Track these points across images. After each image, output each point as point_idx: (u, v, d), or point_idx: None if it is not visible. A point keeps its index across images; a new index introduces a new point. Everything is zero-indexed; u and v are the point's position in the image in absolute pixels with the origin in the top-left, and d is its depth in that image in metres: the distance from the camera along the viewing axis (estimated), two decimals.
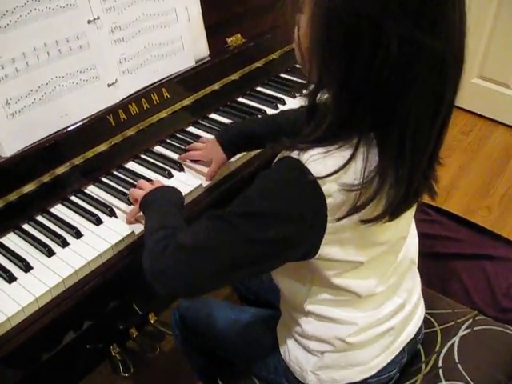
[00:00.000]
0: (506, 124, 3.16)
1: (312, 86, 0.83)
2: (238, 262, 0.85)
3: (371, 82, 0.73)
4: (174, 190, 1.14)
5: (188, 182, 1.27)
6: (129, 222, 1.17)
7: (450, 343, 1.22)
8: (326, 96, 0.82)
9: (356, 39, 0.71)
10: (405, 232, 1.01)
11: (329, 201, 0.79)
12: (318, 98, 0.84)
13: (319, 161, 0.78)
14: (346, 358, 1.04)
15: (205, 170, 1.30)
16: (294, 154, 0.80)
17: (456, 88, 0.79)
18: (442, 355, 1.19)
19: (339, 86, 0.76)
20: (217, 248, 0.84)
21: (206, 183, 1.28)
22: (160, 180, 1.24)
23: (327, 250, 0.86)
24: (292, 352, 1.08)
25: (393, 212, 0.83)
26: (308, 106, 0.85)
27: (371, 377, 1.06)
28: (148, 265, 0.91)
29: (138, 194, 1.15)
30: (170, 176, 1.28)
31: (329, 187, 0.78)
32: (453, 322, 1.26)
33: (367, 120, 0.77)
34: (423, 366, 1.17)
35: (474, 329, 1.25)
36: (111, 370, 1.74)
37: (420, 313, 1.16)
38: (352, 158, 0.77)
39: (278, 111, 1.30)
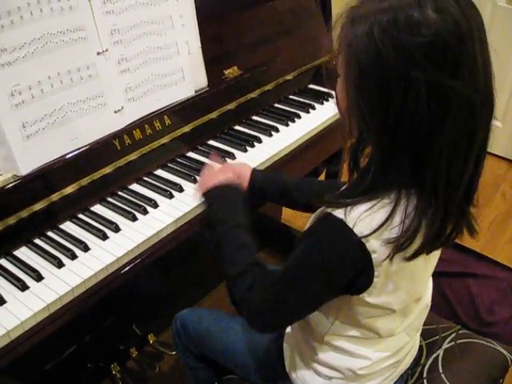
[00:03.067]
0: (494, 154, 3.25)
1: (354, 142, 0.91)
2: (303, 303, 0.97)
3: (406, 128, 0.78)
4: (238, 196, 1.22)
5: (188, 201, 1.34)
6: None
7: (434, 355, 1.27)
8: (367, 149, 0.89)
9: (387, 91, 0.77)
10: (428, 279, 1.08)
11: (374, 256, 0.86)
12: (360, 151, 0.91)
13: (365, 220, 0.84)
14: None
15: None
16: (338, 213, 0.86)
17: (488, 128, 0.82)
18: (426, 367, 1.25)
19: (378, 136, 0.81)
20: (285, 299, 0.96)
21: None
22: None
23: (368, 298, 0.93)
24: (299, 370, 1.12)
25: (430, 246, 0.88)
26: (351, 159, 0.93)
27: None
28: (235, 299, 1.04)
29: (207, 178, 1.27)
30: (171, 197, 1.36)
31: (372, 244, 0.85)
32: (437, 337, 1.31)
33: (406, 165, 0.81)
34: (409, 377, 1.22)
35: (458, 342, 1.30)
36: None
37: (418, 344, 1.21)
38: (393, 212, 0.83)
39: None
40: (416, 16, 0.75)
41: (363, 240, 0.84)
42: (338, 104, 0.90)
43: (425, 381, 1.22)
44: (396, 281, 0.92)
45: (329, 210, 0.88)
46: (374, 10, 0.78)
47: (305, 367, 1.12)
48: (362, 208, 0.85)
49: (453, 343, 1.30)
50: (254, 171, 1.36)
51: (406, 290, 0.96)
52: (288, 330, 1.19)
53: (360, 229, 0.84)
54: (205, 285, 2.16)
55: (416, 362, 1.24)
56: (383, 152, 0.82)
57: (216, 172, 1.29)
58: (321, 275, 0.91)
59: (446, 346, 1.30)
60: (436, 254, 1.02)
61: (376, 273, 0.88)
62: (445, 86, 0.75)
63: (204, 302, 2.15)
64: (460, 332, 1.33)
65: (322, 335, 1.05)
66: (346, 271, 0.89)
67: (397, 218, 0.84)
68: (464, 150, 0.81)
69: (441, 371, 1.23)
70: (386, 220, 0.83)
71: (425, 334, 1.29)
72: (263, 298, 0.98)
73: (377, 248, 0.85)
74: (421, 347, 1.28)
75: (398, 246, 0.84)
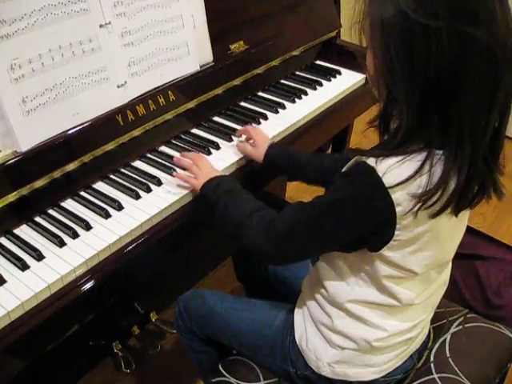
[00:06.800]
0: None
1: (383, 106, 0.93)
2: (324, 237, 0.98)
3: (432, 80, 0.81)
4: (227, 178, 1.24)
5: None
6: (179, 177, 1.28)
7: (441, 340, 1.27)
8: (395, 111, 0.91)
9: (412, 46, 0.80)
10: (452, 255, 1.08)
11: (398, 209, 0.88)
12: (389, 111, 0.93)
13: (394, 170, 0.86)
14: (363, 358, 1.09)
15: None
16: (371, 161, 0.89)
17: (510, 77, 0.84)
18: (433, 351, 1.24)
19: (406, 92, 0.84)
20: (307, 229, 0.97)
21: None
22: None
23: (389, 253, 0.94)
24: (311, 340, 1.13)
25: (457, 202, 0.88)
26: (381, 122, 0.94)
27: (379, 378, 1.12)
28: (256, 240, 1.04)
29: (195, 171, 1.26)
30: None
31: (398, 196, 0.87)
32: (445, 320, 1.30)
33: (433, 120, 0.84)
34: (416, 361, 1.21)
35: (465, 326, 1.29)
36: (113, 366, 1.79)
37: (429, 325, 1.22)
38: (422, 167, 0.85)
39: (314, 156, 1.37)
40: None
41: (390, 191, 0.86)
42: (367, 72, 0.94)
43: (432, 364, 1.21)
44: (419, 240, 0.93)
45: (363, 158, 0.91)
46: None
47: (317, 336, 1.12)
48: (392, 160, 0.87)
49: (460, 327, 1.29)
50: (271, 145, 1.38)
51: (430, 253, 0.97)
52: (300, 298, 1.19)
53: (389, 179, 0.86)
54: (207, 264, 2.15)
55: (424, 345, 1.23)
56: (412, 108, 0.84)
57: (202, 167, 1.28)
58: (346, 212, 0.93)
59: (453, 330, 1.29)
60: (463, 223, 1.04)
61: (398, 226, 0.90)
62: (465, 34, 0.78)
63: (205, 281, 2.13)
64: (468, 316, 1.32)
65: (341, 301, 1.05)
66: (369, 216, 0.91)
67: (424, 174, 0.85)
68: (487, 101, 0.82)
69: (448, 355, 1.23)
70: (415, 173, 0.85)
71: (432, 318, 1.27)
72: (287, 221, 1.00)
73: (402, 201, 0.87)
74: (428, 331, 1.26)
75: (424, 200, 0.86)
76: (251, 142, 1.41)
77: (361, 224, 0.92)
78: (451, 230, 0.98)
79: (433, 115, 0.84)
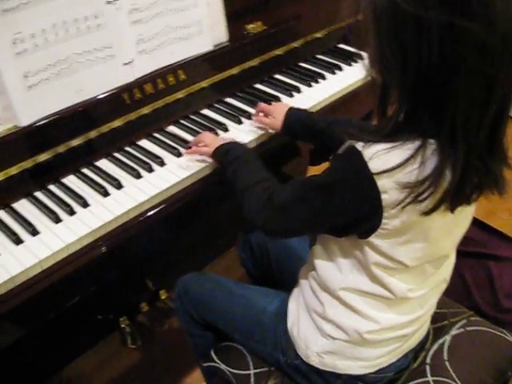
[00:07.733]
0: None
1: (380, 92, 0.89)
2: (314, 218, 0.97)
3: (424, 71, 0.77)
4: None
5: (197, 161, 1.31)
6: (190, 153, 1.31)
7: (440, 341, 1.23)
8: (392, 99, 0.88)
9: (403, 36, 0.77)
10: (450, 250, 1.05)
11: (384, 197, 0.85)
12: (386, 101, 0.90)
13: (381, 157, 0.83)
14: (354, 350, 1.07)
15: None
16: (358, 145, 0.87)
17: (511, 77, 0.79)
18: (431, 352, 1.21)
19: (399, 83, 0.82)
20: (300, 206, 0.97)
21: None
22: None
23: (378, 241, 0.92)
24: (302, 329, 1.11)
25: (452, 200, 0.85)
26: (379, 106, 0.91)
27: (370, 373, 1.09)
28: (255, 209, 1.05)
29: (208, 140, 1.28)
30: (179, 155, 1.32)
31: (384, 183, 0.84)
32: (446, 322, 1.26)
33: (427, 112, 0.81)
34: (411, 361, 1.18)
35: (467, 329, 1.25)
36: (119, 341, 1.80)
37: (428, 324, 1.19)
38: (412, 157, 0.82)
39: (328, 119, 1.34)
40: None
41: (375, 177, 0.84)
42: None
43: (427, 367, 1.18)
44: (409, 231, 0.91)
45: (353, 142, 0.89)
46: None
47: (309, 325, 1.10)
48: (380, 146, 0.84)
49: (462, 330, 1.25)
50: (289, 110, 1.38)
51: (420, 246, 0.94)
52: (296, 285, 1.18)
53: (374, 165, 0.84)
54: (219, 246, 2.14)
55: (421, 345, 1.20)
56: (404, 98, 0.83)
57: (211, 136, 1.31)
58: (333, 196, 0.91)
59: (454, 332, 1.24)
60: (464, 218, 0.99)
61: (385, 214, 0.87)
62: (458, 28, 0.73)
63: (215, 265, 2.12)
64: (471, 319, 1.27)
65: (333, 288, 1.03)
66: (355, 201, 0.89)
67: (415, 165, 0.83)
68: (482, 97, 0.78)
69: (446, 358, 1.19)
70: (404, 162, 0.82)
71: (433, 318, 1.24)
72: (284, 196, 1.00)
73: (388, 189, 0.84)
74: (428, 331, 1.22)
75: (415, 195, 0.83)
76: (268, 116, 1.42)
77: (347, 209, 0.90)
78: (447, 225, 0.94)
79: (425, 108, 0.81)
